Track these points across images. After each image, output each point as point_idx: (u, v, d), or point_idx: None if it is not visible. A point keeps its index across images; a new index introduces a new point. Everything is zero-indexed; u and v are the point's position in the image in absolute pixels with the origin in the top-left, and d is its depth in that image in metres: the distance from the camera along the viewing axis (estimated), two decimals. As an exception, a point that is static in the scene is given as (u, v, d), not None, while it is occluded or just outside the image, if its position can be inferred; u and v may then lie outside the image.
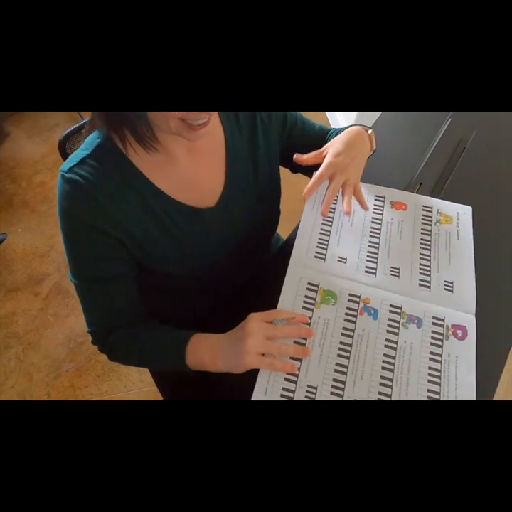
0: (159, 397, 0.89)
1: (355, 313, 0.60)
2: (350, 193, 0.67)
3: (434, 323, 0.60)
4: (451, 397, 0.54)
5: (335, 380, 0.55)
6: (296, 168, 0.81)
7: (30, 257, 1.76)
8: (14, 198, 1.95)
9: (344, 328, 0.59)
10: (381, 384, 0.55)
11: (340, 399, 0.54)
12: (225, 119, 0.67)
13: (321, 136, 0.81)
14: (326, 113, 2.25)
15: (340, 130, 0.77)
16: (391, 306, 0.61)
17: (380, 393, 0.54)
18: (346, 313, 0.60)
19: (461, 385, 0.55)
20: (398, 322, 0.60)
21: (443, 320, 0.60)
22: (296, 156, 0.71)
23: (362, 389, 0.55)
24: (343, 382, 0.55)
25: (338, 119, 2.11)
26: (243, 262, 0.76)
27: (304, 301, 0.60)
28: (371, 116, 1.44)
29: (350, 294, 0.61)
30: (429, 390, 0.55)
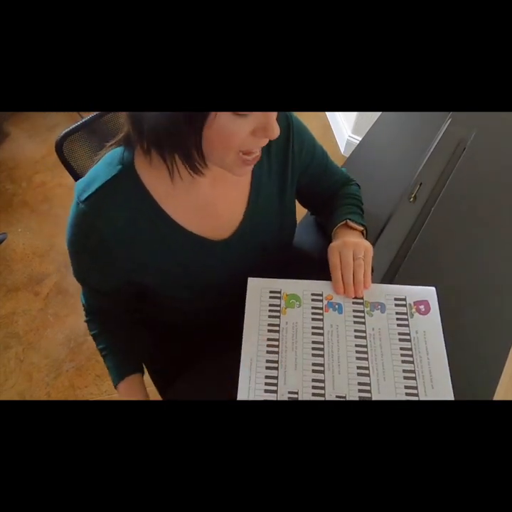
0: (159, 397, 0.89)
1: (320, 311, 0.61)
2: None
3: (396, 305, 0.62)
4: (426, 374, 0.56)
5: (314, 380, 0.56)
6: (306, 205, 0.84)
7: (30, 257, 1.76)
8: (14, 198, 1.95)
9: (313, 328, 0.60)
10: (359, 374, 0.56)
11: (322, 398, 0.54)
12: None
13: (338, 185, 0.80)
14: (326, 113, 2.24)
15: (353, 194, 0.78)
16: (353, 298, 0.63)
17: (359, 384, 0.55)
18: (312, 313, 0.61)
19: (433, 360, 0.57)
20: (363, 311, 0.61)
21: (404, 299, 0.62)
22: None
23: (342, 383, 0.55)
24: (322, 381, 0.55)
25: (338, 119, 2.11)
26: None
27: (270, 310, 0.61)
28: (371, 116, 1.44)
29: (312, 294, 0.63)
30: (404, 370, 0.56)
